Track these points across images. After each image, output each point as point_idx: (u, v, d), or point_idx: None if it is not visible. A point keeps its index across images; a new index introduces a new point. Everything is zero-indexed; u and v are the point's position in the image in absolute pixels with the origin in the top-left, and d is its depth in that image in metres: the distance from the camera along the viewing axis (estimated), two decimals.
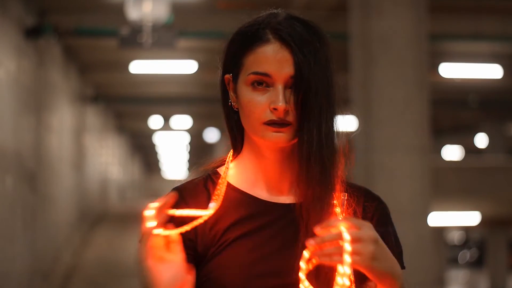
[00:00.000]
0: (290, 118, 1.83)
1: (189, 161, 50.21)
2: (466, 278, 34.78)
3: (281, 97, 1.81)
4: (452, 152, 35.19)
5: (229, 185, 1.94)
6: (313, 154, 1.82)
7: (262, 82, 1.84)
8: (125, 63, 15.75)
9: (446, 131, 30.70)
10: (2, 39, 9.64)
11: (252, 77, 1.84)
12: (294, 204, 1.87)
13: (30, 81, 11.41)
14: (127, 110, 26.51)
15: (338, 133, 1.89)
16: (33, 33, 10.94)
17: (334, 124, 1.88)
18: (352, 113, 10.65)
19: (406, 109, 9.86)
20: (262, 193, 1.92)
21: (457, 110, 24.89)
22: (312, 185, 1.82)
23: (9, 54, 10.03)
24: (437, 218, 23.79)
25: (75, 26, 11.80)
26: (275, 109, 1.81)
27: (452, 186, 21.67)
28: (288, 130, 1.84)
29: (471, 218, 24.49)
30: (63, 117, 15.20)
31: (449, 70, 17.48)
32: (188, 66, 15.82)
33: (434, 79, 19.39)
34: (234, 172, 1.96)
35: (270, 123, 1.83)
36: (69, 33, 11.88)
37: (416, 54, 9.93)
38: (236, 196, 1.92)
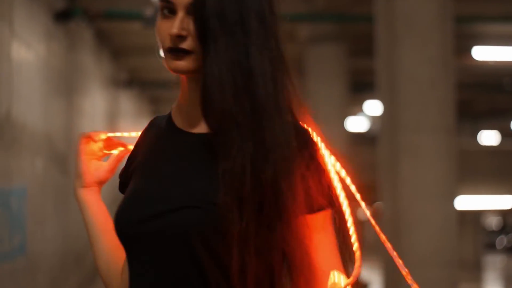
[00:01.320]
0: (189, 45, 1.80)
1: None
2: (503, 263, 34.54)
3: (176, 23, 1.79)
4: (488, 137, 34.89)
5: (169, 116, 1.97)
6: (213, 88, 1.76)
7: (171, 10, 1.81)
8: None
9: (482, 115, 30.44)
10: (32, 22, 9.74)
11: (160, 4, 1.84)
12: (205, 134, 1.84)
13: (61, 65, 11.52)
14: (162, 95, 26.60)
15: (264, 72, 1.81)
16: (62, 16, 11.03)
17: (250, 58, 1.78)
18: (376, 95, 10.67)
19: (431, 89, 9.82)
20: (183, 123, 1.91)
21: (492, 94, 24.66)
22: (215, 117, 1.77)
23: (39, 37, 10.14)
24: (472, 202, 23.66)
25: (104, 9, 11.86)
26: (171, 35, 1.79)
27: (488, 170, 21.53)
28: (187, 58, 1.81)
29: (507, 201, 24.31)
30: (95, 101, 15.31)
31: (482, 53, 17.33)
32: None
33: (467, 62, 19.24)
34: (175, 105, 1.98)
35: (170, 51, 1.82)
36: (99, 16, 11.95)
37: (441, 34, 9.87)
38: (163, 126, 1.95)
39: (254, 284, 1.70)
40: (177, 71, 1.82)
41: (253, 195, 1.70)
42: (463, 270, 12.63)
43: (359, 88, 23.16)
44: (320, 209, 1.84)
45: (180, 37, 1.79)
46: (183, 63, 1.80)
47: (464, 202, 22.81)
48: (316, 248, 1.81)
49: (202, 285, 1.74)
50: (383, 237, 2.02)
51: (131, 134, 2.09)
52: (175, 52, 1.81)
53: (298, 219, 1.76)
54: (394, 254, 2.04)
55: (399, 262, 2.06)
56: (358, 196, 2.07)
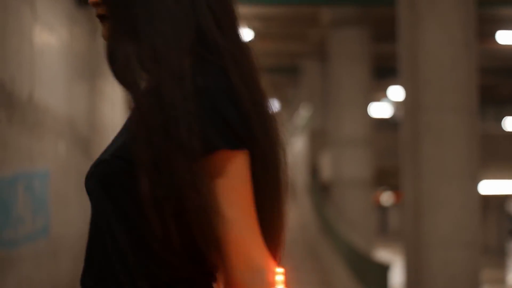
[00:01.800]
0: (101, 11, 1.78)
1: None
2: None
3: None
4: None
5: None
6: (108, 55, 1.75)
7: None
8: None
9: (506, 101, 30.28)
10: (54, 7, 9.79)
11: None
12: None
13: (83, 49, 11.57)
14: None
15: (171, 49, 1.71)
16: (84, 0, 11.08)
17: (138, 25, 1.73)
18: (398, 75, 10.64)
19: (453, 70, 9.78)
20: None
21: None
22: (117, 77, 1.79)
23: (61, 21, 10.18)
24: (496, 186, 23.55)
25: None
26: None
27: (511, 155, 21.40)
28: (105, 24, 1.79)
29: None
30: (117, 85, 15.34)
31: (507, 37, 17.23)
32: (244, 35, 15.84)
33: (491, 46, 19.14)
34: None
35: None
36: None
37: (463, 14, 9.83)
38: None
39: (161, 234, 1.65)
40: (103, 37, 1.79)
41: (146, 145, 1.65)
42: (486, 256, 12.62)
43: (383, 74, 23.12)
44: (213, 149, 1.66)
45: (96, 4, 1.77)
46: (103, 30, 1.78)
47: (488, 187, 22.71)
48: (214, 195, 1.66)
49: (110, 237, 1.75)
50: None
51: None
52: (99, 18, 1.79)
53: (191, 163, 1.64)
54: None
55: None
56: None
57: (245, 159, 1.68)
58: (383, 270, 10.96)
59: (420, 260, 10.12)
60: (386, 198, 39.14)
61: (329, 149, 18.60)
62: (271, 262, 1.67)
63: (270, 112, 1.78)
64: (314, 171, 21.48)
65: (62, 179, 10.81)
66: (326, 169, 19.69)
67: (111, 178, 1.73)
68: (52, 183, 10.59)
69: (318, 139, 21.45)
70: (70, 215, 11.19)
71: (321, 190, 19.57)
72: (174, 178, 1.62)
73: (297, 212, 22.41)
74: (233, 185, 1.66)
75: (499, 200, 34.99)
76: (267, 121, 1.75)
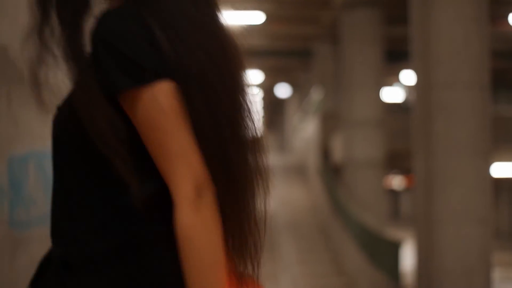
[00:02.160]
0: None
1: (263, 117, 50.30)
2: None
3: None
4: None
5: None
6: None
7: None
8: None
9: None
10: None
11: None
12: None
13: None
14: None
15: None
16: None
17: None
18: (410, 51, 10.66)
19: (465, 46, 9.80)
20: None
21: None
22: None
23: None
24: (508, 169, 23.52)
25: None
26: None
27: None
28: None
29: None
30: None
31: None
32: (255, 17, 15.82)
33: (504, 28, 19.10)
34: None
35: None
36: None
37: None
38: None
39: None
40: None
41: (76, 92, 1.76)
42: (498, 240, 12.65)
43: (395, 57, 23.10)
44: (118, 90, 1.67)
45: None
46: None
47: (500, 169, 22.70)
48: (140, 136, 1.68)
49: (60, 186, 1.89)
50: None
51: None
52: None
53: (103, 109, 1.68)
54: None
55: None
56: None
57: (164, 90, 1.65)
58: (394, 247, 11.01)
59: (431, 237, 10.16)
60: (398, 182, 39.12)
61: (341, 131, 18.63)
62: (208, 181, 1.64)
63: (224, 45, 1.77)
64: (325, 153, 21.51)
65: None
66: (338, 151, 19.72)
67: (63, 124, 1.86)
68: None
69: (330, 122, 21.47)
70: None
71: (332, 172, 19.61)
72: (93, 125, 1.68)
73: (308, 194, 22.46)
74: (156, 120, 1.64)
75: (511, 184, 34.94)
76: (215, 51, 1.73)
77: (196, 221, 1.58)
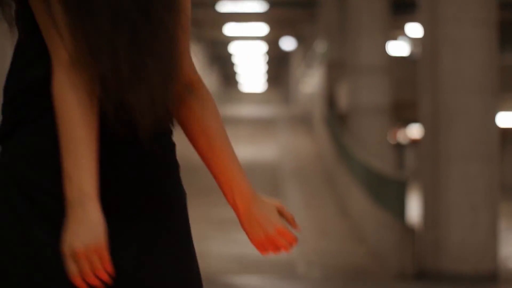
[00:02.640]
0: None
1: (268, 72, 50.22)
2: None
3: None
4: None
5: None
6: None
7: None
8: None
9: None
10: None
11: None
12: None
13: None
14: (202, 17, 26.56)
15: None
16: None
17: None
18: None
19: None
20: None
21: None
22: None
23: None
24: None
25: None
26: None
27: None
28: None
29: None
30: None
31: None
32: None
33: None
34: None
35: None
36: None
37: None
38: None
39: None
40: None
41: None
42: (503, 194, 12.64)
43: (401, 9, 22.93)
44: None
45: None
46: None
47: (507, 119, 22.66)
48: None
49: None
50: None
51: None
52: None
53: None
54: None
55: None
56: None
57: None
58: (400, 187, 11.01)
59: (437, 174, 10.16)
60: (403, 135, 39.05)
61: (346, 78, 18.58)
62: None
63: None
64: (330, 102, 21.49)
65: None
66: (343, 100, 19.69)
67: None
68: None
69: (335, 71, 21.41)
70: None
71: (338, 120, 19.60)
72: None
73: (313, 143, 22.47)
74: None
75: None
76: None
77: (65, 83, 1.70)
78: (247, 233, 1.82)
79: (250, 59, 43.92)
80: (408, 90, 18.29)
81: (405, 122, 31.63)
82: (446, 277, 9.97)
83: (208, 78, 41.04)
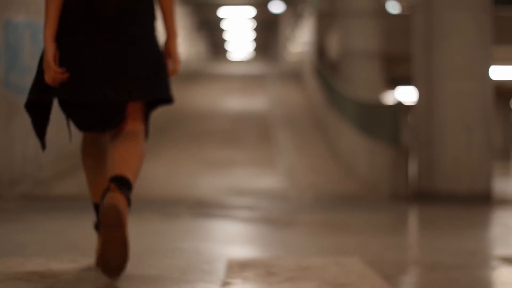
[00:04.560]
0: None
1: (255, 40, 50.02)
2: None
3: None
4: None
5: None
6: None
7: None
8: None
9: None
10: None
11: None
12: None
13: None
14: None
15: None
16: None
17: None
18: None
19: None
20: None
21: None
22: None
23: None
24: (507, 72, 23.40)
25: None
26: None
27: None
28: None
29: None
30: None
31: None
32: None
33: None
34: None
35: None
36: None
37: None
38: None
39: None
40: None
41: None
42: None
43: None
44: None
45: None
46: None
47: (500, 73, 22.59)
48: None
49: None
50: None
51: None
52: None
53: None
54: None
55: None
56: None
57: None
58: (392, 110, 10.89)
59: (431, 92, 10.05)
60: (392, 98, 38.96)
61: (338, 23, 18.45)
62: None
63: None
64: (321, 52, 21.38)
65: None
66: (333, 49, 19.59)
67: None
68: None
69: (325, 20, 21.30)
70: None
71: (328, 68, 19.50)
72: None
73: (304, 95, 22.39)
74: None
75: (505, 100, 34.91)
76: None
77: None
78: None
79: (239, 25, 43.67)
80: (400, 40, 18.20)
81: (394, 82, 31.53)
82: (440, 197, 9.88)
83: (196, 44, 40.83)
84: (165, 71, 3.56)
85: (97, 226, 3.83)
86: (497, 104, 34.27)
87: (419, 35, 10.11)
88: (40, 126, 3.60)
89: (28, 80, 10.26)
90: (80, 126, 3.59)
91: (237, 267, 3.97)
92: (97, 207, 3.80)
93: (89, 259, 4.15)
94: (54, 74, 3.39)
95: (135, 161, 3.41)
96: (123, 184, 3.30)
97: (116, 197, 3.20)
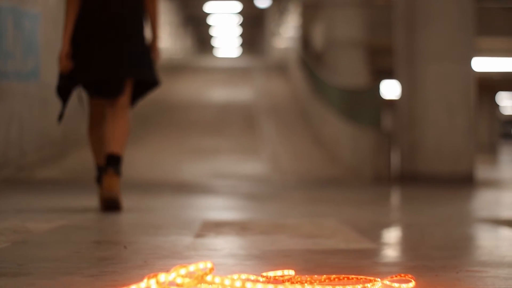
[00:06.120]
0: None
1: (241, 35, 49.96)
2: None
3: None
4: None
5: None
6: None
7: None
8: None
9: None
10: None
11: None
12: None
13: None
14: None
15: None
16: None
17: None
18: None
19: None
20: None
21: None
22: None
23: None
24: (489, 64, 23.44)
25: None
26: None
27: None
28: None
29: None
30: None
31: None
32: None
33: None
34: None
35: None
36: None
37: None
38: None
39: None
40: None
41: None
42: (479, 154, 12.65)
43: None
44: None
45: None
46: None
47: (484, 64, 22.66)
48: None
49: None
50: None
51: None
52: None
53: None
54: None
55: None
56: None
57: None
58: (373, 93, 10.89)
59: (414, 74, 10.07)
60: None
61: (322, 13, 18.47)
62: None
63: None
64: (306, 43, 21.40)
65: (54, 29, 10.75)
66: (318, 39, 19.60)
67: None
68: (44, 30, 10.59)
69: (310, 12, 21.31)
70: None
71: (313, 59, 19.52)
72: None
73: (288, 86, 22.41)
74: None
75: (491, 96, 34.98)
76: None
77: None
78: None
79: (225, 20, 43.61)
80: (384, 31, 18.21)
81: (379, 75, 31.56)
82: (423, 179, 9.90)
83: (182, 40, 40.77)
84: (151, 61, 5.13)
85: (98, 180, 5.01)
86: (483, 98, 34.34)
87: (402, 18, 10.13)
88: (63, 105, 5.11)
89: (10, 65, 10.24)
90: (97, 94, 5.08)
91: (213, 225, 3.97)
92: (99, 167, 5.09)
93: (65, 221, 4.14)
94: (64, 67, 5.00)
95: (123, 137, 4.97)
96: (116, 160, 4.84)
97: (112, 183, 4.70)
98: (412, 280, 2.08)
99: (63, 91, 5.10)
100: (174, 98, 19.72)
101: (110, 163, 4.78)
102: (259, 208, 5.50)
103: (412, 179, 9.96)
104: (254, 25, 44.17)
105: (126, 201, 5.15)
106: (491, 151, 32.55)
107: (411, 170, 10.06)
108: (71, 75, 5.00)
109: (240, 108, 18.93)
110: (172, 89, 20.79)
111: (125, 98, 5.02)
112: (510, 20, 20.85)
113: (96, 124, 5.17)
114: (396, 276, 2.11)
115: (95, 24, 5.01)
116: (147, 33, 5.26)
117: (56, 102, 11.29)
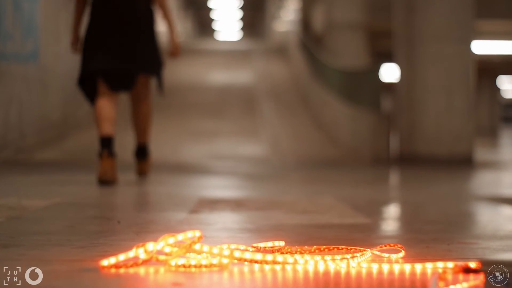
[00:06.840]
0: None
1: (242, 19, 49.85)
2: None
3: None
4: None
5: None
6: None
7: None
8: None
9: None
10: None
11: None
12: None
13: None
14: None
15: None
16: None
17: None
18: None
19: None
20: None
21: None
22: None
23: None
24: (489, 47, 23.38)
25: None
26: None
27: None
28: None
29: None
30: None
31: None
32: None
33: None
34: None
35: None
36: None
37: None
38: None
39: None
40: None
41: None
42: (479, 137, 12.64)
43: None
44: None
45: None
46: None
47: (485, 47, 22.58)
48: None
49: None
50: None
51: None
52: None
53: None
54: None
55: None
56: None
57: None
58: (372, 76, 10.88)
59: (413, 54, 10.04)
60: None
61: None
62: None
63: None
64: (306, 26, 21.35)
65: (53, 11, 10.72)
66: (319, 22, 19.55)
67: None
68: (43, 12, 10.56)
69: None
70: (60, 50, 11.11)
71: (313, 42, 19.48)
72: None
73: (288, 69, 22.39)
74: None
75: (491, 79, 34.93)
76: None
77: None
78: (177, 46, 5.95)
79: (226, 4, 43.52)
80: (384, 14, 18.16)
81: (379, 58, 31.54)
82: (421, 160, 9.89)
83: (183, 23, 40.67)
84: (160, 56, 5.72)
85: (99, 155, 5.20)
86: (483, 81, 34.28)
87: (402, 0, 10.11)
88: (90, 94, 5.48)
89: (10, 46, 10.23)
90: (110, 87, 5.41)
91: (208, 202, 3.98)
92: (101, 139, 5.31)
93: (62, 198, 4.15)
94: (73, 50, 5.62)
95: (148, 126, 5.78)
96: (144, 150, 5.77)
97: (144, 167, 5.74)
98: (402, 250, 2.08)
99: (83, 84, 5.48)
100: (175, 80, 19.72)
101: (138, 155, 5.69)
102: (257, 187, 5.50)
103: (411, 161, 9.96)
104: (254, 8, 44.07)
105: (124, 181, 5.15)
106: (491, 135, 32.54)
107: (410, 152, 10.05)
108: (87, 65, 5.41)
109: (240, 90, 18.91)
110: (173, 72, 20.78)
111: (146, 91, 5.76)
112: (511, 3, 20.75)
113: (103, 97, 5.42)
114: (385, 246, 2.11)
115: (111, 22, 5.45)
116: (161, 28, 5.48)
117: (55, 84, 11.30)
